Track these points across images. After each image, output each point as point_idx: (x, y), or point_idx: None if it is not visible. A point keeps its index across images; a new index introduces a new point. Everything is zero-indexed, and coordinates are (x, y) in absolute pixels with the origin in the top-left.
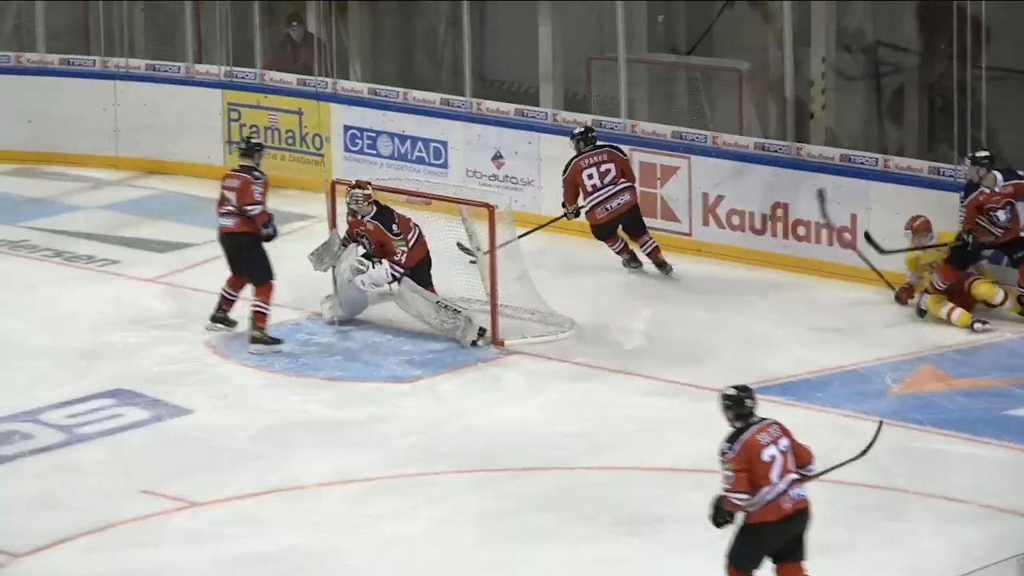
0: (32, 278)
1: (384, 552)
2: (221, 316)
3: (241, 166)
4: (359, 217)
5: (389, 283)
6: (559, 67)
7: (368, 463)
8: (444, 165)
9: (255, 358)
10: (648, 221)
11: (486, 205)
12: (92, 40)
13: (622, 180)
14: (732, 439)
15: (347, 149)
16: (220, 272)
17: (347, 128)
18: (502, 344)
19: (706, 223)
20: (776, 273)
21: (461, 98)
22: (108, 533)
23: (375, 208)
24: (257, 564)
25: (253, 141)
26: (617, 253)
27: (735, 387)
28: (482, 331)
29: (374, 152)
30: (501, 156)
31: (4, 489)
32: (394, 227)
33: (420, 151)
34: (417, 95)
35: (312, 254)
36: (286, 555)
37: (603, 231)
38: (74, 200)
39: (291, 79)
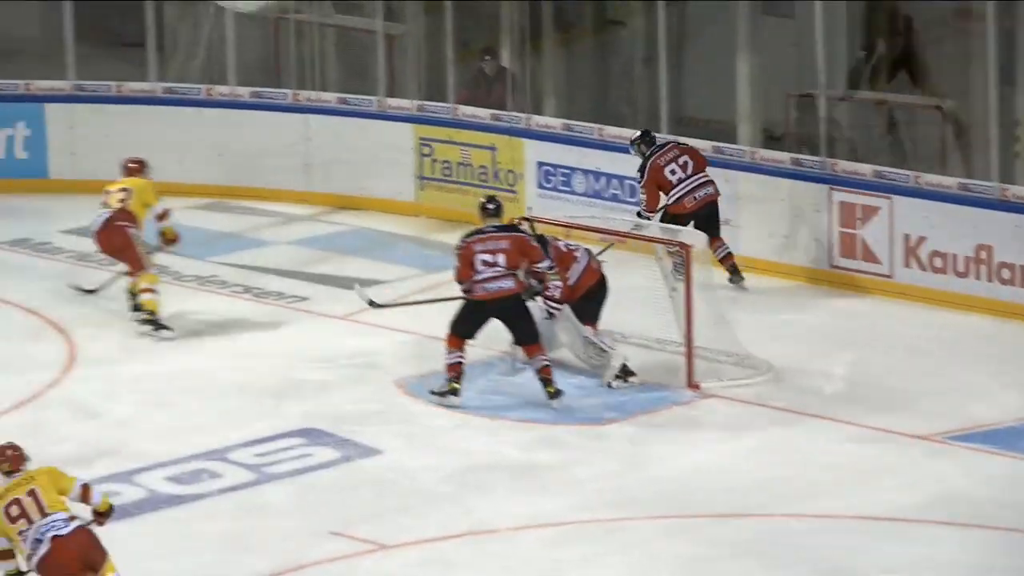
0: (221, 314)
1: None
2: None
3: (494, 227)
4: None
5: (544, 318)
6: (757, 104)
7: (561, 507)
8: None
9: (451, 400)
10: (848, 262)
11: (681, 244)
12: (283, 73)
13: (701, 173)
14: None
15: (540, 185)
16: (411, 310)
17: (540, 164)
18: (698, 387)
19: (907, 265)
20: (980, 317)
21: (657, 135)
22: (297, 575)
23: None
24: None
25: (498, 201)
26: (720, 261)
27: None
28: (626, 374)
29: (568, 189)
30: None
31: (193, 529)
32: (547, 261)
33: (615, 188)
34: (612, 131)
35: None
36: None
37: (683, 221)
38: (264, 235)
39: (484, 114)
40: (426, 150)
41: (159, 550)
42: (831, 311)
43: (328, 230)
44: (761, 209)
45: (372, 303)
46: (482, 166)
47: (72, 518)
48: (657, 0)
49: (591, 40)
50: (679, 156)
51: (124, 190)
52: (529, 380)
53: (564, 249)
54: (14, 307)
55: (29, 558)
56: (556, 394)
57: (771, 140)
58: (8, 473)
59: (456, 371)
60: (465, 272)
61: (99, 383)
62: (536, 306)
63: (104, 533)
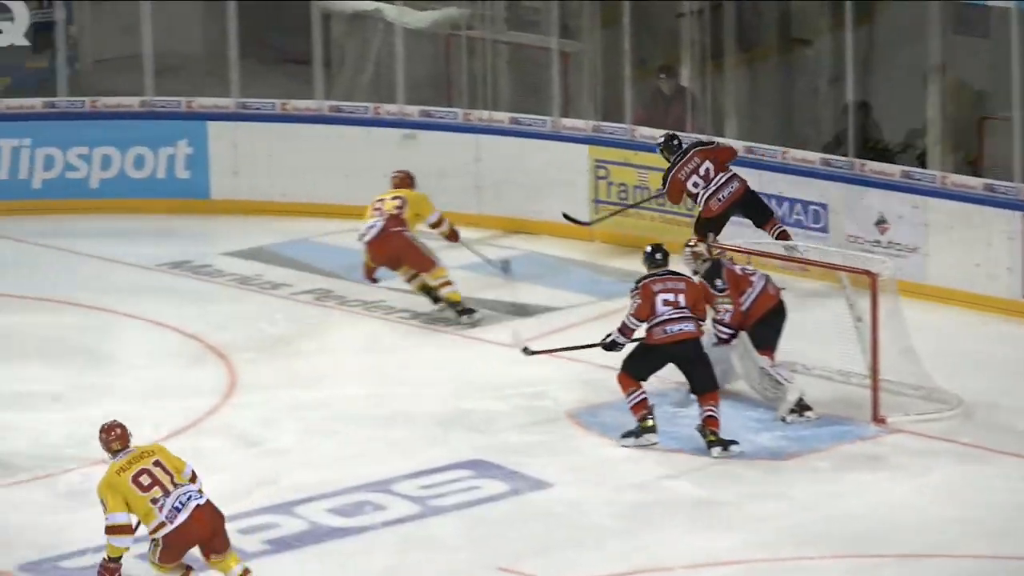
0: (389, 340)
1: None
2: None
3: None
4: (693, 275)
5: (713, 344)
6: (948, 127)
7: (738, 545)
8: (824, 229)
9: (620, 429)
10: None
11: (868, 272)
12: (454, 92)
13: (722, 173)
14: None
15: None
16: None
17: None
18: (884, 422)
19: None
20: None
21: (843, 159)
22: None
23: (709, 264)
24: None
25: (665, 249)
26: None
27: None
28: (802, 408)
29: None
30: (885, 221)
31: (356, 563)
32: (719, 283)
33: (798, 213)
34: (796, 154)
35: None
36: None
37: (718, 222)
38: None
39: (662, 135)
40: (601, 172)
41: None
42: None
43: (499, 254)
44: (952, 237)
45: (526, 350)
46: (659, 189)
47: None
48: (845, 19)
49: (775, 59)
50: (700, 165)
51: (398, 199)
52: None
53: (739, 273)
54: (173, 331)
55: (161, 526)
56: (717, 444)
57: (963, 165)
58: (117, 451)
59: (643, 409)
60: (646, 312)
61: (259, 410)
62: (707, 331)
63: (266, 565)
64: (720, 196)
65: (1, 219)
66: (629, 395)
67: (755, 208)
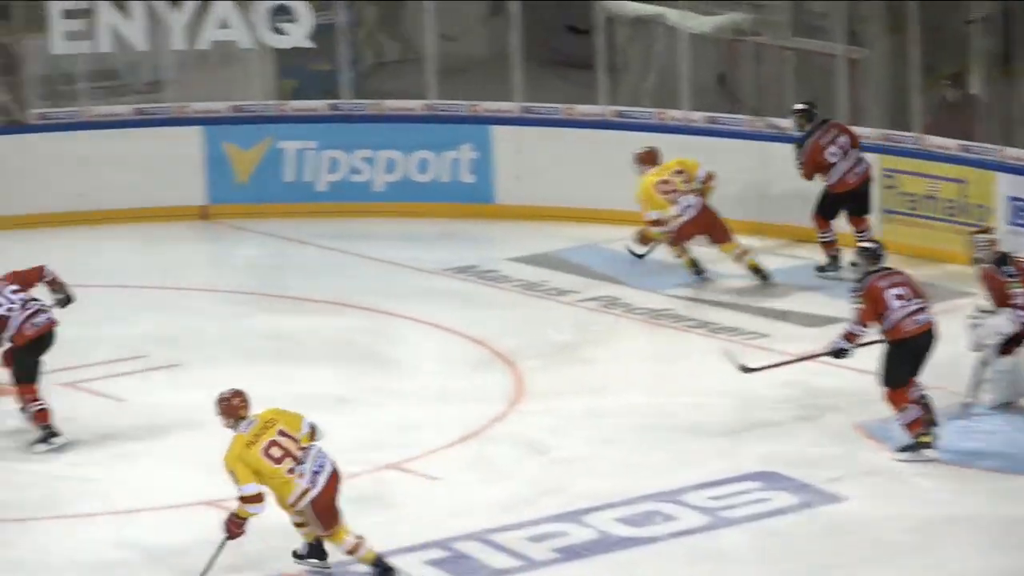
0: (675, 349)
1: None
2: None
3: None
4: (982, 265)
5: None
6: None
7: None
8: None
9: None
10: None
11: None
12: (740, 97)
13: (856, 149)
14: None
15: (1013, 222)
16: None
17: (1013, 199)
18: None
19: None
20: None
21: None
22: None
23: (997, 254)
24: None
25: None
26: (824, 245)
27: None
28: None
29: None
30: None
31: (644, 573)
32: (1008, 268)
33: None
34: None
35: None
36: None
37: (844, 200)
38: (720, 267)
39: (952, 144)
40: (890, 181)
41: None
42: None
43: (785, 263)
44: None
45: (744, 368)
46: (950, 200)
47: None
48: None
49: None
50: (838, 136)
51: (680, 172)
52: (1000, 427)
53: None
54: (458, 336)
55: (305, 493)
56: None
57: None
58: (242, 419)
59: (918, 424)
60: (875, 312)
61: (546, 418)
62: (1000, 320)
63: (556, 574)
64: (857, 171)
65: (287, 221)
66: (902, 412)
67: (866, 199)
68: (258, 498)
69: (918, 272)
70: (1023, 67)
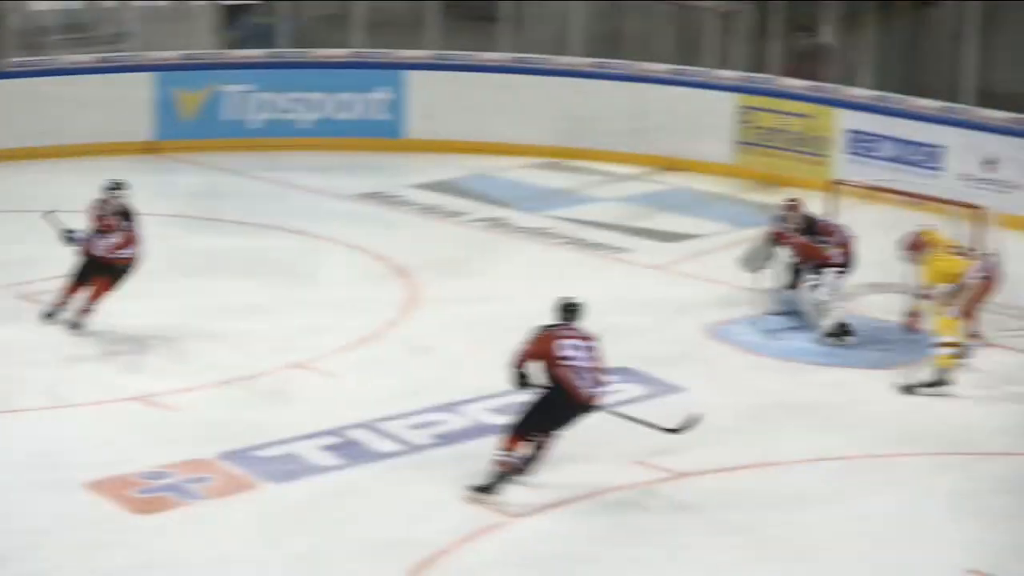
0: (551, 263)
1: (855, 526)
2: None
3: None
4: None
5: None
6: None
7: (846, 443)
8: (940, 168)
9: (748, 340)
10: None
11: (974, 206)
12: (624, 45)
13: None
14: None
15: (850, 151)
16: (720, 261)
17: (850, 131)
18: (981, 337)
19: None
20: None
21: (960, 106)
22: (600, 499)
23: (804, 222)
24: (737, 533)
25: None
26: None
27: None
28: (844, 333)
29: (874, 155)
30: (995, 161)
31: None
32: (818, 236)
33: (918, 155)
34: (919, 103)
35: (742, 258)
36: (764, 524)
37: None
38: (595, 192)
39: (801, 85)
40: (747, 117)
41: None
42: None
43: (653, 188)
44: None
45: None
46: (796, 132)
47: None
48: None
49: (909, 16)
50: None
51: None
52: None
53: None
54: (366, 253)
55: None
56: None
57: None
58: None
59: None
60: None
61: (434, 323)
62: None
63: (434, 456)
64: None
65: (225, 154)
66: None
67: None
68: None
69: (766, 196)
70: (865, 19)
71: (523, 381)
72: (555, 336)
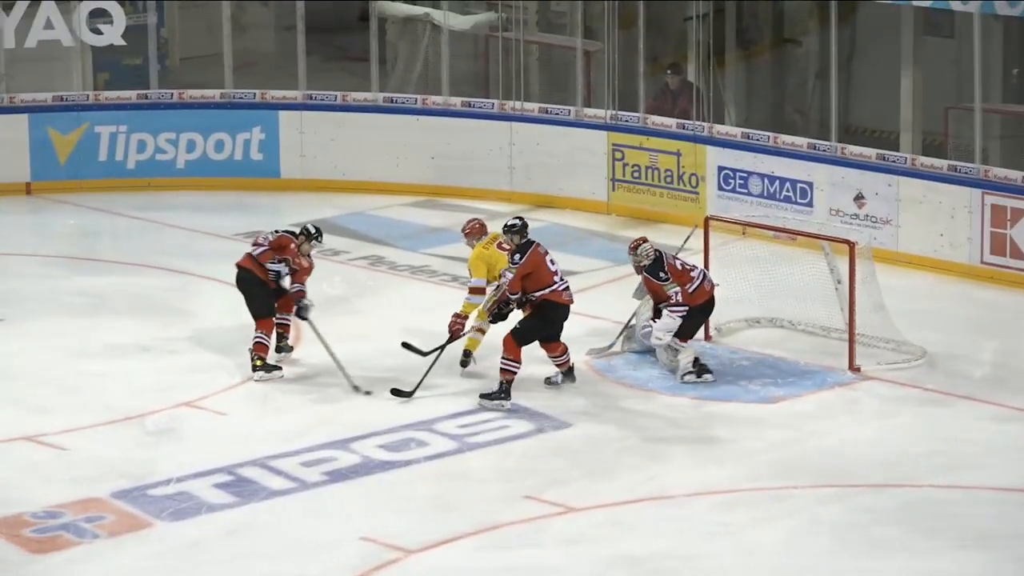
0: (432, 300)
1: (743, 559)
2: None
3: None
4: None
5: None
6: (918, 115)
7: (732, 476)
8: (809, 204)
9: (633, 376)
10: (997, 259)
11: (847, 241)
12: (491, 85)
13: None
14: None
15: (720, 188)
16: (597, 297)
17: (721, 168)
18: (859, 370)
19: None
20: None
21: (827, 143)
22: (493, 534)
23: (651, 261)
24: (628, 566)
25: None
26: None
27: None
28: (701, 371)
29: (745, 191)
30: (863, 197)
31: (400, 492)
32: (661, 274)
33: (788, 191)
34: (786, 139)
35: (638, 290)
36: (655, 558)
37: None
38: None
39: (671, 123)
40: (618, 155)
41: (372, 508)
42: (981, 303)
43: (533, 225)
44: (920, 210)
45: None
46: (668, 170)
47: None
48: (829, 21)
49: (769, 56)
50: None
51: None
52: (706, 362)
53: (679, 268)
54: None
55: None
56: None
57: (931, 148)
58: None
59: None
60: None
61: (320, 360)
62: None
63: (325, 494)
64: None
65: (100, 195)
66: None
67: None
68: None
69: (641, 232)
70: (732, 58)
71: (505, 311)
72: (540, 255)
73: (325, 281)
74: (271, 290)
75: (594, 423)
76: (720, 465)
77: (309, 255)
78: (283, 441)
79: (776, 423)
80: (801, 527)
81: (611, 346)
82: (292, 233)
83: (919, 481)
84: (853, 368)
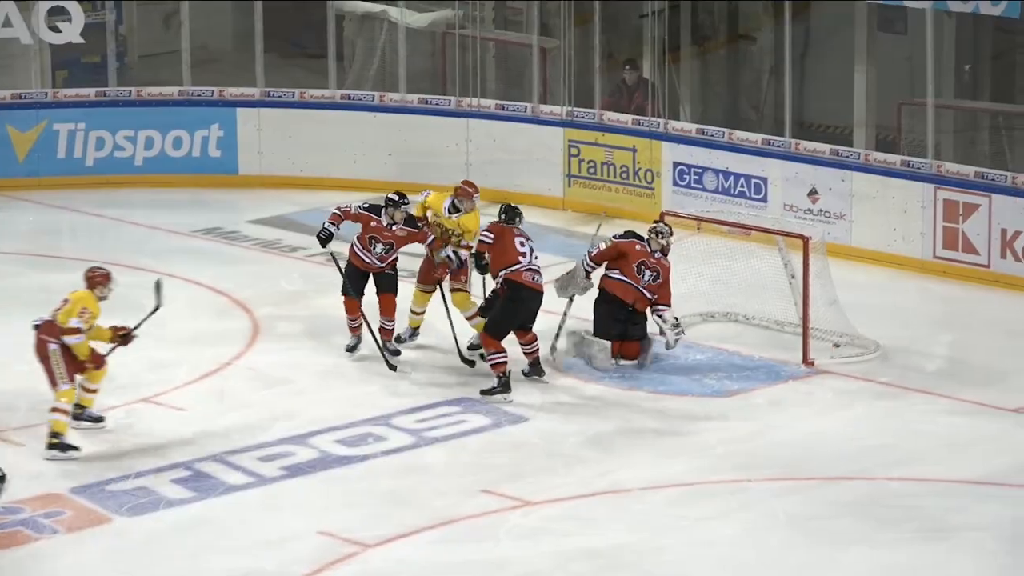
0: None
1: (702, 551)
2: None
3: None
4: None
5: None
6: (872, 111)
7: (688, 469)
8: (764, 199)
9: (589, 371)
10: (950, 253)
11: (801, 236)
12: (448, 82)
13: None
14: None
15: (676, 183)
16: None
17: (676, 164)
18: (813, 364)
19: (1003, 256)
20: None
21: (781, 139)
22: (450, 528)
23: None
24: (586, 559)
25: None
26: None
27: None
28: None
29: (700, 186)
30: (816, 192)
31: (358, 487)
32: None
33: (742, 186)
34: (741, 135)
35: (557, 281)
36: (612, 551)
37: None
38: None
39: (626, 119)
40: (574, 151)
41: (329, 503)
42: (933, 297)
43: (485, 221)
44: (873, 205)
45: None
46: (624, 165)
47: None
48: (784, 18)
49: (724, 52)
50: None
51: None
52: (662, 357)
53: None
54: (205, 288)
55: None
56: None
57: (884, 144)
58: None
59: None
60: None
61: (278, 356)
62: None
63: (284, 488)
64: None
65: (59, 192)
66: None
67: None
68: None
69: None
70: (686, 54)
71: (483, 264)
72: (511, 232)
73: (284, 278)
74: (363, 274)
75: (550, 418)
76: (677, 458)
77: (403, 222)
78: (241, 436)
79: (732, 417)
80: (758, 520)
81: (553, 349)
82: (376, 208)
83: (875, 474)
84: (807, 362)
